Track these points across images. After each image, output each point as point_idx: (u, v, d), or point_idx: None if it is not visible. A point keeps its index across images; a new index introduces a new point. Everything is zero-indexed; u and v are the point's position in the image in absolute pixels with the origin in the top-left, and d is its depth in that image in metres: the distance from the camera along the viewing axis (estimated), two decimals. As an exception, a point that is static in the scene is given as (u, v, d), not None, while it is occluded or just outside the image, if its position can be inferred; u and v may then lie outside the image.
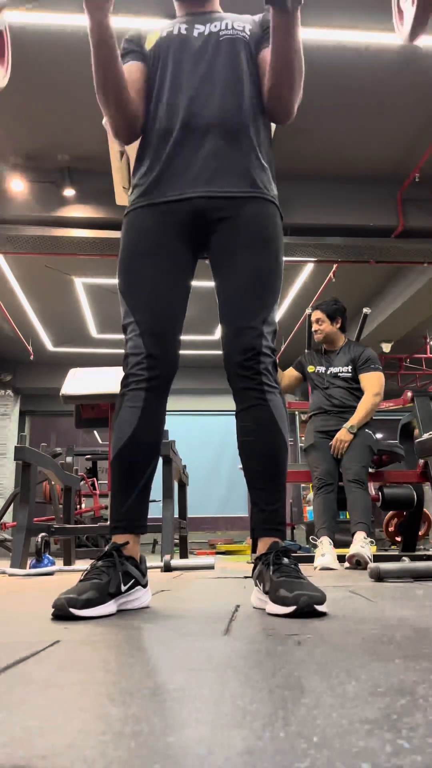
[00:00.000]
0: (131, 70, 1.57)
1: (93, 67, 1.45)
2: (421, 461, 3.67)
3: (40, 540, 3.64)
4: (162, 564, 2.96)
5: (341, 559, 3.15)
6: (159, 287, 1.49)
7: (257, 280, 1.48)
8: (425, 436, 3.38)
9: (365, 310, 4.58)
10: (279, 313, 1.53)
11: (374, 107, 5.21)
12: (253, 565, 1.44)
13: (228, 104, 1.52)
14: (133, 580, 1.35)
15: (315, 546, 3.24)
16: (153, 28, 1.65)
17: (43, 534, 3.61)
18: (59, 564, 3.61)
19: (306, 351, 3.92)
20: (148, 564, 1.48)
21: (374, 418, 3.54)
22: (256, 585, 1.38)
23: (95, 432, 13.36)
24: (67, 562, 3.79)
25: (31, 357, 9.65)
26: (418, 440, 3.47)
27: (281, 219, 1.56)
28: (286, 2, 1.33)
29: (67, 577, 2.68)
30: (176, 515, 4.01)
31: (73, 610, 1.18)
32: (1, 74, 1.55)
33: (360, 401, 3.51)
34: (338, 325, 3.68)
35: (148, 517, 1.47)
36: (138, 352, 1.45)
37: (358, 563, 3.02)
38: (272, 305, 1.49)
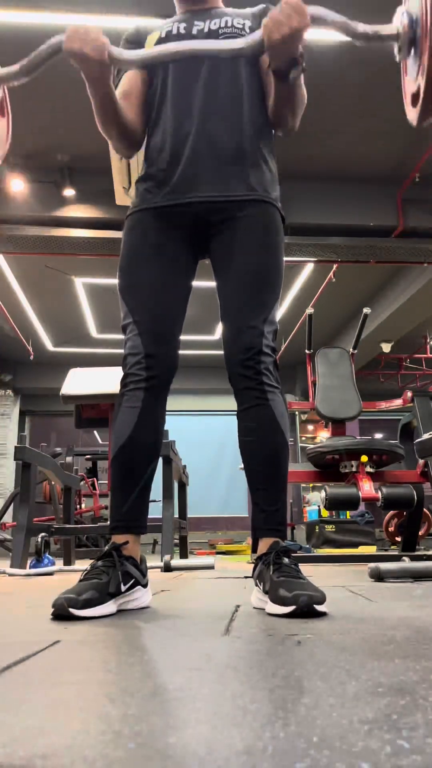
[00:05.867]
0: (131, 79, 1.57)
1: (93, 108, 1.45)
2: (421, 461, 3.67)
3: (40, 540, 3.64)
4: (162, 564, 2.96)
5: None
6: (159, 288, 1.49)
7: (258, 280, 1.48)
8: (425, 436, 3.38)
9: (365, 310, 4.58)
10: (279, 313, 1.53)
11: (374, 107, 5.21)
12: (253, 565, 1.44)
13: (231, 113, 1.52)
14: (133, 580, 1.34)
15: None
16: (152, 26, 1.62)
17: (43, 534, 3.61)
18: (59, 564, 3.60)
19: None
20: (148, 564, 1.47)
21: (374, 418, 3.52)
22: (257, 585, 1.38)
23: (95, 432, 13.35)
24: (67, 562, 3.79)
25: (31, 357, 9.65)
26: (418, 440, 3.46)
27: (283, 221, 1.56)
28: (287, 75, 1.37)
29: (67, 577, 2.67)
30: (176, 515, 4.01)
31: (72, 610, 1.18)
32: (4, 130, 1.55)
33: None
34: None
35: (148, 517, 1.47)
36: (137, 353, 1.45)
37: None
38: (273, 305, 1.50)
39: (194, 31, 1.56)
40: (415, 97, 1.29)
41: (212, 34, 1.55)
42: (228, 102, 1.53)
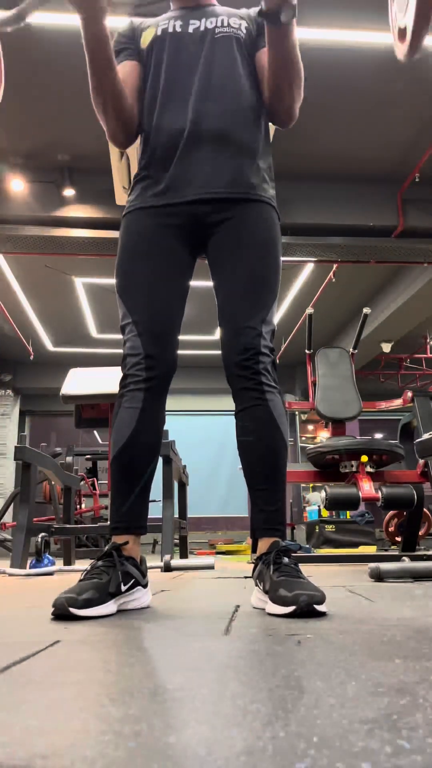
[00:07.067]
0: (126, 69, 1.56)
1: (89, 74, 1.44)
2: (421, 461, 3.67)
3: (40, 540, 3.64)
4: (162, 564, 2.96)
5: None
6: (156, 288, 1.49)
7: (255, 280, 1.48)
8: (425, 436, 3.38)
9: (365, 310, 4.58)
10: (279, 314, 1.54)
11: (374, 107, 5.21)
12: (253, 565, 1.44)
13: (226, 110, 1.51)
14: (133, 580, 1.34)
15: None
16: (147, 22, 1.62)
17: (43, 534, 3.61)
18: (59, 564, 3.60)
19: None
20: (148, 564, 1.47)
21: (374, 418, 3.51)
22: (257, 585, 1.38)
23: (95, 432, 13.35)
24: (67, 562, 3.79)
25: (31, 357, 9.65)
26: (418, 440, 3.46)
27: (279, 219, 1.56)
28: (279, 19, 1.33)
29: (67, 577, 2.67)
30: (176, 515, 4.01)
31: (72, 610, 1.18)
32: None
33: None
34: None
35: (148, 517, 1.47)
36: (136, 353, 1.45)
37: None
38: (271, 305, 1.50)
39: (190, 30, 1.56)
40: (402, 33, 1.31)
41: (208, 33, 1.55)
42: (224, 98, 1.52)
